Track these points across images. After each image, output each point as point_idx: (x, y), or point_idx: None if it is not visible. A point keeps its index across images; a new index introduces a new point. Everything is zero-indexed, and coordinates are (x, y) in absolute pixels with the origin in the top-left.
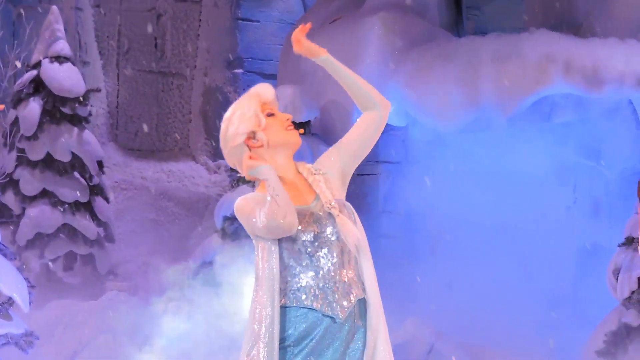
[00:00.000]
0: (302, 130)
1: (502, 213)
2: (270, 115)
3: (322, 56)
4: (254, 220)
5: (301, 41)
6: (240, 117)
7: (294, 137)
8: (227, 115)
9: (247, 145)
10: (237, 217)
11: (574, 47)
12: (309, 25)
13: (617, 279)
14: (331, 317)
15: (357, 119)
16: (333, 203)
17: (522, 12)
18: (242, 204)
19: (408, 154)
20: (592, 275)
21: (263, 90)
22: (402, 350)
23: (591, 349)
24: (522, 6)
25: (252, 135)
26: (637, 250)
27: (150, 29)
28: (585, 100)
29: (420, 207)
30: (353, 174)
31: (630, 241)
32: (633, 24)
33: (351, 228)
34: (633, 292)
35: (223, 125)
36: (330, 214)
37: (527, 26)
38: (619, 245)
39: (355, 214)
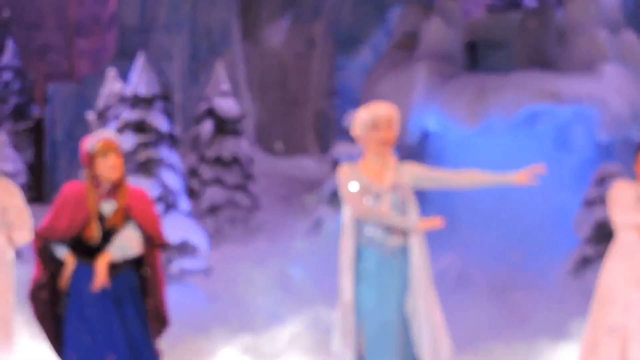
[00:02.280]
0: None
1: (505, 188)
2: (375, 128)
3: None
4: (347, 192)
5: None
6: (359, 121)
7: (384, 150)
8: (360, 111)
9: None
10: (338, 178)
11: (544, 78)
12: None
13: (579, 226)
14: (382, 255)
15: (445, 172)
16: (387, 187)
17: (515, 56)
18: (343, 172)
19: (444, 149)
20: (564, 224)
21: (378, 109)
22: (440, 276)
23: (563, 270)
24: (515, 52)
25: (360, 135)
26: (593, 208)
27: (280, 74)
28: (555, 112)
29: None
30: (411, 158)
31: (587, 203)
32: (584, 64)
33: (385, 204)
34: (589, 235)
35: (356, 114)
36: (393, 190)
37: (517, 66)
38: (581, 205)
39: (409, 190)
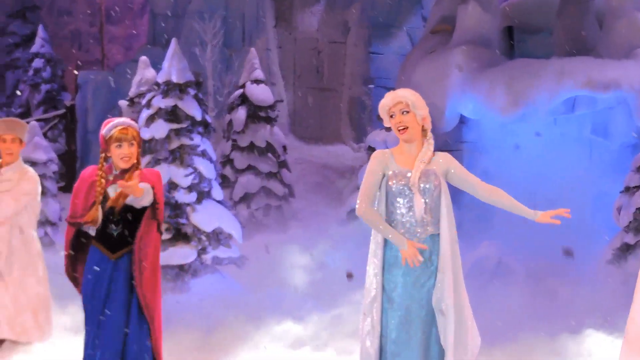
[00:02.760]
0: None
1: (543, 170)
2: (391, 116)
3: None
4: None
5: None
6: (380, 110)
7: (401, 137)
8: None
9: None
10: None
11: (584, 64)
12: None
13: (619, 213)
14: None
15: (476, 180)
16: (417, 175)
17: (552, 43)
18: (374, 158)
19: (481, 136)
20: (603, 211)
21: (388, 97)
22: (479, 265)
23: (603, 259)
24: (552, 39)
25: (385, 123)
26: (634, 195)
27: (313, 60)
28: (595, 98)
29: (490, 170)
30: (446, 150)
31: (627, 189)
32: (624, 49)
33: (418, 201)
34: (630, 222)
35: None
36: (425, 178)
37: (556, 52)
38: (621, 192)
39: (442, 179)
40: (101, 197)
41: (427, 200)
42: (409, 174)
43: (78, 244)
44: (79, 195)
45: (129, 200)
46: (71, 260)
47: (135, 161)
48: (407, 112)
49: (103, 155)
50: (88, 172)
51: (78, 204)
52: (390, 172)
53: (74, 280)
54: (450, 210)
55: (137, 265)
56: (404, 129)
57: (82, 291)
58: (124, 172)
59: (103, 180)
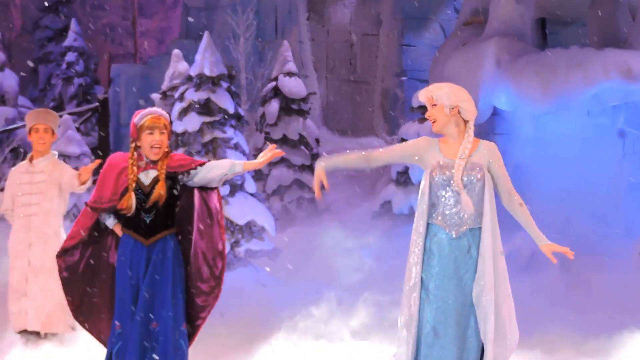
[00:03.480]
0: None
1: (576, 162)
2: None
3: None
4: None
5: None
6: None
7: (432, 129)
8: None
9: None
10: None
11: (617, 56)
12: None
13: None
14: (451, 235)
15: (508, 187)
16: (459, 179)
17: (584, 35)
18: (420, 139)
19: (514, 127)
20: (637, 203)
21: (420, 91)
22: (513, 257)
23: (637, 250)
24: (585, 30)
25: None
26: None
27: (346, 53)
28: (628, 90)
29: (522, 162)
30: (481, 137)
31: None
32: None
33: (465, 200)
34: None
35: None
36: (469, 170)
37: (588, 43)
38: None
39: (485, 171)
40: (134, 184)
41: (470, 192)
42: (451, 165)
43: (96, 231)
44: (106, 180)
45: (201, 182)
46: (78, 245)
47: (166, 150)
48: (435, 105)
49: (133, 144)
50: (116, 159)
51: (106, 190)
52: (434, 162)
53: (65, 262)
54: (493, 204)
55: (214, 245)
56: (433, 122)
57: (116, 277)
58: (155, 161)
59: (135, 168)
